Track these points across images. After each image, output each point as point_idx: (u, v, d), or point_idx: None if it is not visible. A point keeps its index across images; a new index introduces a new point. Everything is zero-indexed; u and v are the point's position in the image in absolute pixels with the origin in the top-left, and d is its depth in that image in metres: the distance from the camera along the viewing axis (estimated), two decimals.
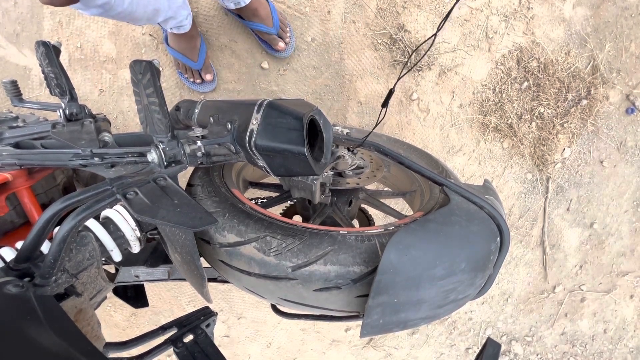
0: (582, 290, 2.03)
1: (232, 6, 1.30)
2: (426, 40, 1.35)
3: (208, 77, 1.42)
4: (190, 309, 1.79)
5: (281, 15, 1.41)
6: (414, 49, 1.46)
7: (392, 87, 0.64)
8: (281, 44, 1.41)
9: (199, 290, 0.68)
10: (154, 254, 0.84)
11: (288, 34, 1.43)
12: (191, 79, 1.42)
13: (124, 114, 1.47)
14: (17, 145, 0.73)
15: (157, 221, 0.50)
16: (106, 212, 0.62)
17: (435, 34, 0.55)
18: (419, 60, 1.48)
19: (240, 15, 1.37)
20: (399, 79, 0.64)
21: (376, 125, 0.65)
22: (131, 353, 0.61)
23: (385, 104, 0.65)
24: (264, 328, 1.90)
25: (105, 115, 0.83)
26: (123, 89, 1.44)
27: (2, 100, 1.42)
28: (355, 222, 1.05)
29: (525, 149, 1.74)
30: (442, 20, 0.53)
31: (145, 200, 0.51)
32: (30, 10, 1.37)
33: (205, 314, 0.68)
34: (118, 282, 0.81)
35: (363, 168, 0.91)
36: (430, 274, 0.56)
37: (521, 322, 2.07)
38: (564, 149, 1.76)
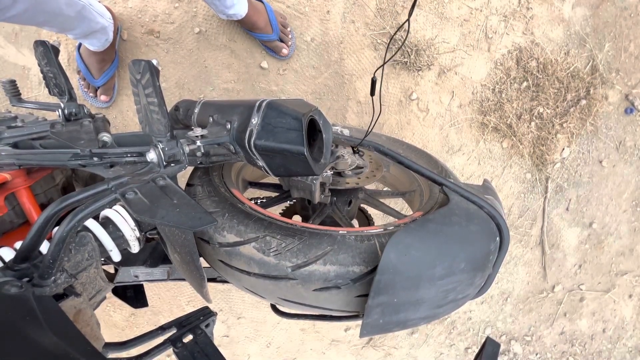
0: (581, 289, 2.04)
1: (224, 17, 1.31)
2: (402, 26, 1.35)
3: (102, 97, 1.39)
4: (189, 309, 1.79)
5: (281, 17, 1.41)
6: (393, 36, 1.46)
7: (373, 76, 0.64)
8: (284, 50, 1.43)
9: (198, 291, 0.67)
10: (154, 254, 0.84)
11: (289, 36, 1.43)
12: (86, 89, 1.39)
13: (123, 113, 1.47)
14: (15, 145, 0.73)
15: (157, 221, 0.49)
16: (105, 212, 0.61)
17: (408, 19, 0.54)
18: (396, 53, 1.48)
19: (241, 24, 1.38)
20: (382, 66, 0.64)
21: (374, 123, 0.66)
22: (130, 353, 0.61)
23: (372, 92, 0.65)
24: (264, 328, 1.90)
25: (104, 115, 0.83)
26: (122, 89, 1.44)
27: (0, 100, 1.41)
28: (355, 222, 1.05)
29: (525, 149, 1.74)
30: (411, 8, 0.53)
31: (144, 200, 0.51)
32: None
33: (205, 314, 0.67)
34: (117, 282, 0.81)
35: (362, 168, 0.91)
36: (430, 274, 0.56)
37: (520, 321, 2.07)
38: (563, 149, 1.76)
